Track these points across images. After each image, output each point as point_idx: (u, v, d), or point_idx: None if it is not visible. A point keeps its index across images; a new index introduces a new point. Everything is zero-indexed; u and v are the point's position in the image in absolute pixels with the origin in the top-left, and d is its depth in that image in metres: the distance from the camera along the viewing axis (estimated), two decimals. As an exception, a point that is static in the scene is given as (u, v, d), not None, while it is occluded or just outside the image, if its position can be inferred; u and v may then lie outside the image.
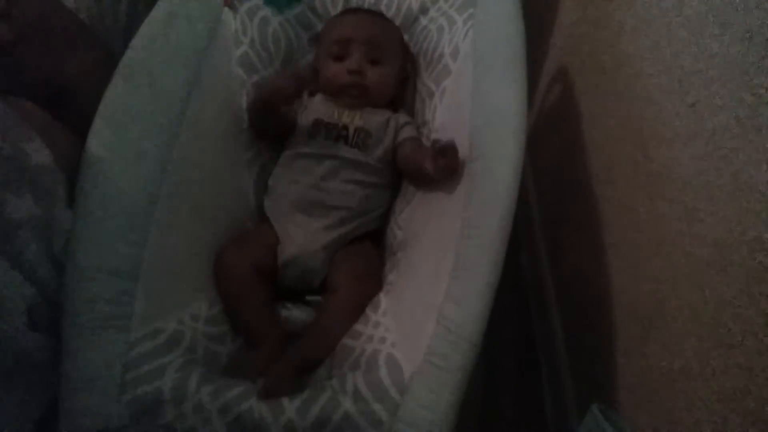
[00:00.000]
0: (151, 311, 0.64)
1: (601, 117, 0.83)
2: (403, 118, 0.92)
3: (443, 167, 0.72)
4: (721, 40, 0.53)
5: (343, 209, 0.84)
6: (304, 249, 0.81)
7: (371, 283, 0.78)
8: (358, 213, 0.85)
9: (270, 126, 0.89)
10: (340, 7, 1.06)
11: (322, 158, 0.86)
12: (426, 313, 0.61)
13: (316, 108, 0.91)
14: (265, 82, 0.93)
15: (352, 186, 0.85)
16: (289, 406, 0.58)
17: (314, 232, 0.83)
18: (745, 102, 0.48)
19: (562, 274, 0.98)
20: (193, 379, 0.60)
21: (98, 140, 0.66)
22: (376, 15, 0.99)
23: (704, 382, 0.52)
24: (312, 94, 0.95)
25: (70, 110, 0.75)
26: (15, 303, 0.56)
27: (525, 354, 1.04)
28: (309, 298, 0.82)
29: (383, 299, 0.73)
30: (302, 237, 0.82)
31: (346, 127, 0.88)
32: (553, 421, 0.91)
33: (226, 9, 0.91)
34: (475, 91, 0.75)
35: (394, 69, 0.94)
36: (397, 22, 1.04)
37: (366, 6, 1.05)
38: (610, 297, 0.74)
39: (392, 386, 0.58)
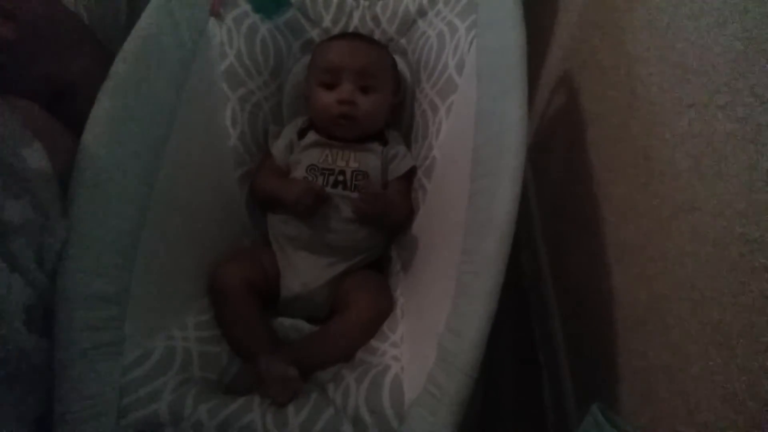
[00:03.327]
0: (140, 332, 0.64)
1: (601, 117, 0.83)
2: (392, 150, 0.91)
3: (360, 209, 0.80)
4: (721, 40, 0.53)
5: (346, 248, 0.84)
6: (308, 286, 0.82)
7: (384, 299, 0.78)
8: (362, 249, 0.85)
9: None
10: (333, 11, 1.03)
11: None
12: (430, 342, 0.61)
13: (307, 154, 0.90)
14: (257, 168, 0.91)
15: (353, 225, 0.84)
16: (293, 421, 0.59)
17: (319, 269, 0.83)
18: (745, 102, 0.48)
19: (562, 274, 0.98)
20: (190, 398, 0.60)
21: (85, 160, 0.65)
22: (367, 41, 0.96)
23: (704, 382, 0.52)
24: (301, 134, 0.93)
25: (70, 111, 0.75)
26: (14, 304, 0.56)
27: (525, 354, 1.04)
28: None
29: (401, 324, 0.73)
30: (307, 274, 0.82)
31: (342, 172, 0.87)
32: (553, 421, 0.91)
33: (212, 19, 0.89)
34: (478, 108, 0.74)
35: (386, 96, 0.93)
36: (394, 27, 1.02)
37: (361, 9, 1.03)
38: (610, 297, 0.74)
39: (392, 413, 0.59)
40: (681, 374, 0.56)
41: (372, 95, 0.90)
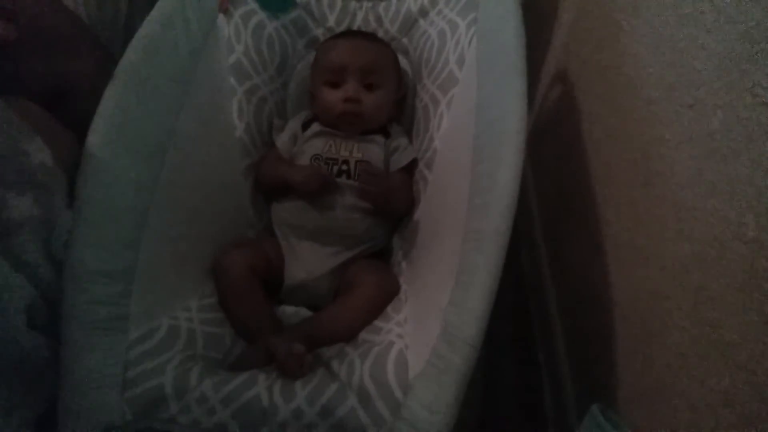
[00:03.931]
0: (145, 311, 0.65)
1: (601, 117, 0.83)
2: (394, 142, 0.93)
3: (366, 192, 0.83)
4: (721, 40, 0.53)
5: (350, 236, 0.85)
6: (312, 274, 0.83)
7: (388, 280, 0.79)
8: (366, 239, 0.86)
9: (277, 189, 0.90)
10: (337, 11, 1.05)
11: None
12: (434, 318, 0.62)
13: (311, 144, 0.91)
14: (266, 157, 0.92)
15: (357, 214, 0.85)
16: (300, 393, 0.59)
17: (323, 258, 0.84)
18: (745, 102, 0.48)
19: (562, 274, 0.98)
20: (195, 373, 0.61)
21: (95, 145, 0.66)
22: (369, 38, 0.97)
23: (704, 382, 0.52)
24: (305, 126, 0.94)
25: (70, 110, 0.75)
26: (15, 302, 0.56)
27: (525, 354, 1.04)
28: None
29: (405, 306, 0.74)
30: (310, 262, 0.83)
31: (346, 161, 0.88)
32: (553, 421, 0.91)
33: (221, 14, 0.90)
34: (479, 99, 0.75)
35: (389, 92, 0.94)
36: (396, 26, 1.03)
37: (364, 10, 1.04)
38: (610, 297, 0.74)
39: (396, 386, 0.59)
40: (681, 374, 0.56)
41: (376, 92, 0.92)
